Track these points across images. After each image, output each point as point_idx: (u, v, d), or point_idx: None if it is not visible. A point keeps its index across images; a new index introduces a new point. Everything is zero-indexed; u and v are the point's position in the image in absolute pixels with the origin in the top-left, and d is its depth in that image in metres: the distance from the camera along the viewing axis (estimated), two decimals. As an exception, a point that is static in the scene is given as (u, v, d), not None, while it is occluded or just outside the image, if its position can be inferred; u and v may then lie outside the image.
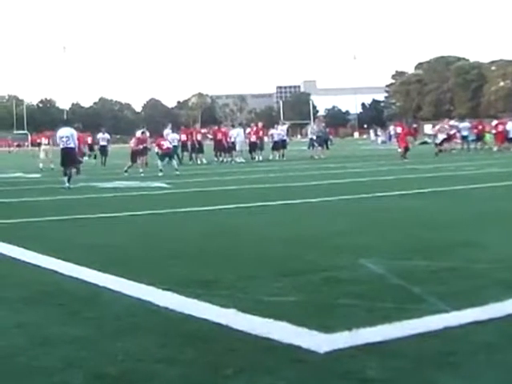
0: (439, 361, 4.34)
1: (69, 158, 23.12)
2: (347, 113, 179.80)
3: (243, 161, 40.38)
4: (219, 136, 42.25)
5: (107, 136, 43.14)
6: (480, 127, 47.46)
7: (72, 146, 23.18)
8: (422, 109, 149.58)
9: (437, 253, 8.21)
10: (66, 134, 23.30)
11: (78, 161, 26.17)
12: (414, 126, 58.68)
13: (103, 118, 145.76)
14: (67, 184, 21.77)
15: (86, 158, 37.50)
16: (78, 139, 30.21)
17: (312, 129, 46.54)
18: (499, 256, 7.82)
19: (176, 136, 43.11)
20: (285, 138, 45.40)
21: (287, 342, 4.74)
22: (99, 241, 10.18)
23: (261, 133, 43.71)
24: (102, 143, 41.62)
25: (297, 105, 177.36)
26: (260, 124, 46.53)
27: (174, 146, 41.78)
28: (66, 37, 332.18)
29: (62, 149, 23.31)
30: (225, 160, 41.60)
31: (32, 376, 4.33)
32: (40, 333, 5.26)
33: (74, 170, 24.32)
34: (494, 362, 4.28)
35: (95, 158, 42.27)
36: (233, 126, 49.32)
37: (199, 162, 41.57)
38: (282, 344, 4.73)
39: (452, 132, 45.89)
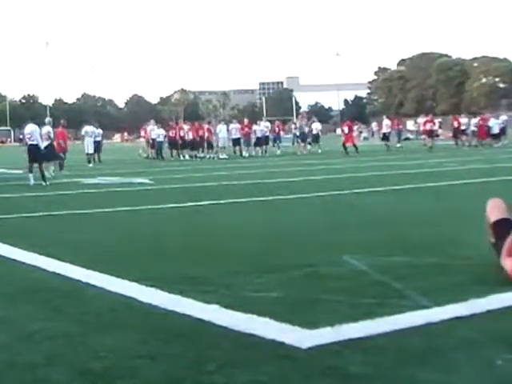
0: (421, 356, 4.38)
1: (32, 154, 22.66)
2: (330, 109, 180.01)
3: (226, 157, 40.39)
4: (201, 132, 42.45)
5: (101, 131, 42.38)
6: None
7: (35, 142, 22.74)
8: (404, 105, 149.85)
9: (418, 249, 8.26)
10: (28, 131, 23.06)
11: (46, 157, 25.83)
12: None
13: (86, 113, 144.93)
14: (32, 181, 21.50)
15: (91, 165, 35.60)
16: (59, 135, 30.15)
17: (300, 125, 46.98)
18: (479, 252, 7.84)
19: (162, 131, 43.12)
20: (267, 134, 45.49)
21: (270, 338, 4.75)
22: (81, 237, 10.17)
23: (246, 129, 43.71)
24: (98, 138, 40.11)
25: (280, 101, 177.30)
26: (246, 120, 46.55)
27: (160, 142, 41.88)
28: (49, 32, 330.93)
29: (27, 146, 23.14)
30: (206, 156, 41.69)
31: (16, 372, 4.33)
32: (23, 329, 5.26)
33: (51, 167, 23.85)
34: (475, 358, 4.31)
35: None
36: (209, 123, 49.29)
37: (182, 157, 41.63)
38: (264, 340, 4.75)
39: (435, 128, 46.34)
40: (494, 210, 6.53)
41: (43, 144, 25.50)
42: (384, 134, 46.54)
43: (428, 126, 45.93)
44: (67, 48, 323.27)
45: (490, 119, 46.15)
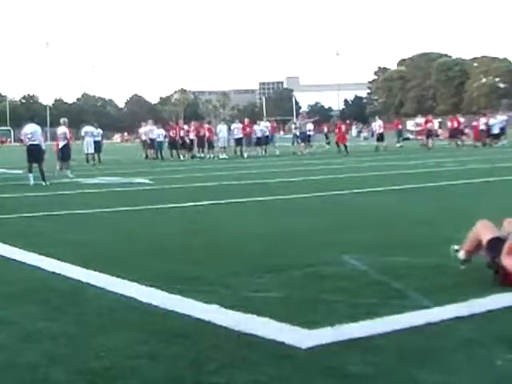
0: (420, 356, 4.38)
1: (32, 155, 22.50)
2: (330, 109, 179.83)
3: (226, 157, 40.36)
4: (202, 132, 42.50)
5: (100, 131, 42.03)
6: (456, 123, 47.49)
7: (36, 142, 22.53)
8: (404, 105, 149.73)
9: (417, 249, 8.25)
10: (30, 131, 22.82)
11: (62, 158, 25.92)
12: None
13: (86, 113, 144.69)
14: (32, 181, 21.40)
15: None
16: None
17: (300, 125, 47.07)
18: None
19: (162, 131, 43.10)
20: (267, 134, 45.48)
21: (270, 338, 4.75)
22: (81, 237, 10.16)
23: (247, 129, 43.67)
24: (97, 139, 39.53)
25: (280, 101, 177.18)
26: (246, 120, 46.46)
27: (160, 142, 41.85)
28: (49, 32, 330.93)
29: (27, 146, 22.83)
30: (206, 156, 41.72)
31: (16, 372, 4.33)
32: (24, 329, 5.25)
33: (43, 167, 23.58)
34: (475, 358, 4.31)
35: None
36: (209, 123, 49.44)
37: (181, 157, 41.61)
38: (264, 340, 4.75)
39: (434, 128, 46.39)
40: (486, 230, 6.80)
41: (61, 144, 25.61)
42: (379, 134, 46.46)
43: (429, 125, 46.17)
44: (67, 48, 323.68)
45: (490, 119, 46.02)
